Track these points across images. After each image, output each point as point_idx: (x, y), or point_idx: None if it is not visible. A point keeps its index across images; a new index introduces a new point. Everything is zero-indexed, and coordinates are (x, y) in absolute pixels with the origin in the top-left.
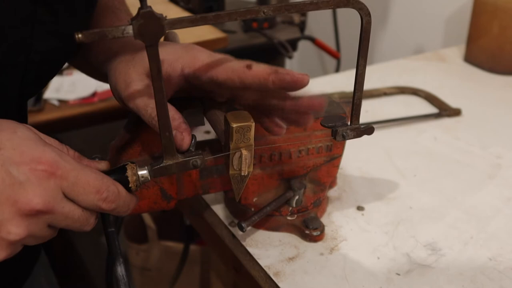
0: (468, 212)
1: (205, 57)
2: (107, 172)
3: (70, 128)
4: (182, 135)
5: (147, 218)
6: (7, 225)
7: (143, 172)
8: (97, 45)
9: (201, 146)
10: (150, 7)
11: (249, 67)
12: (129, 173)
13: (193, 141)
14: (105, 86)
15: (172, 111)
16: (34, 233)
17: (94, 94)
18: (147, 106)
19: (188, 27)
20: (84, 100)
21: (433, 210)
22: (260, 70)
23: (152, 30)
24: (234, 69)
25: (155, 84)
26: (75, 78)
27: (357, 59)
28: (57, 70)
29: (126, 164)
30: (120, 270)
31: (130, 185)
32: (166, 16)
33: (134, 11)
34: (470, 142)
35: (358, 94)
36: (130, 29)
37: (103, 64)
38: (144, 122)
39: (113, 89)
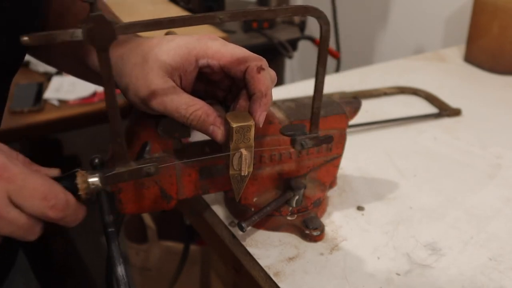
0: (468, 212)
1: (218, 45)
2: (56, 179)
3: (70, 128)
4: (220, 129)
5: (147, 218)
6: None
7: (93, 180)
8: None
9: (201, 146)
10: (100, 11)
11: (259, 70)
12: (79, 180)
13: (147, 147)
14: None
15: (205, 107)
16: None
17: (94, 94)
18: (179, 108)
19: (142, 32)
20: (84, 100)
21: (433, 210)
22: (265, 79)
23: (103, 34)
24: (249, 66)
25: (106, 90)
26: (75, 78)
27: (316, 67)
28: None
29: (76, 171)
30: (120, 270)
31: (79, 193)
32: (118, 22)
33: (134, 11)
34: (470, 142)
35: (317, 103)
36: (79, 33)
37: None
38: (145, 122)
39: (132, 94)
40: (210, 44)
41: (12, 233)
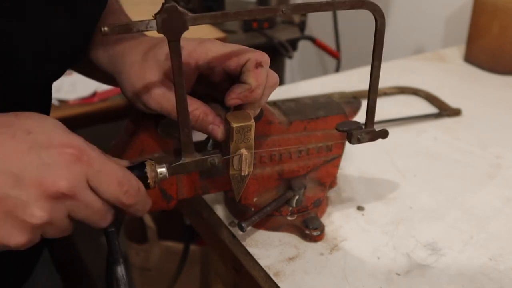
0: (468, 212)
1: (218, 48)
2: (127, 167)
3: (70, 128)
4: (220, 128)
5: (147, 218)
6: (31, 207)
7: (161, 170)
8: (101, 46)
9: (200, 146)
10: (174, 1)
11: (257, 65)
12: (148, 169)
13: (210, 141)
14: (105, 86)
15: (203, 107)
16: (55, 219)
17: (94, 94)
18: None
19: (210, 24)
20: (84, 100)
21: (433, 210)
22: (259, 75)
23: (175, 25)
24: (249, 60)
25: (176, 79)
26: (75, 78)
27: (372, 61)
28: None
29: (145, 161)
30: (120, 270)
31: (148, 181)
32: (188, 13)
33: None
34: (470, 142)
35: (373, 97)
36: (154, 23)
37: (108, 66)
38: (145, 123)
39: (130, 92)
40: (210, 46)
41: (87, 217)
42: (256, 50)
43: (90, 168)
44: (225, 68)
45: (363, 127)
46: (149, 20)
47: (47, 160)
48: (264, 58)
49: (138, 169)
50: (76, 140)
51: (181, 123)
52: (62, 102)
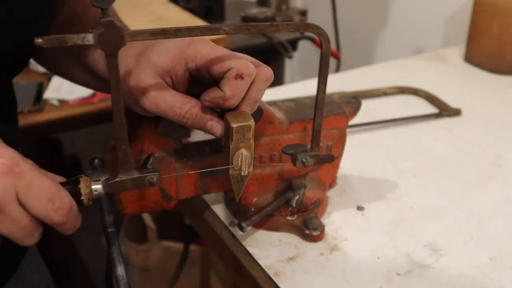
0: (468, 212)
1: (207, 49)
2: (60, 183)
3: (70, 128)
4: (219, 124)
5: (147, 218)
6: None
7: (97, 186)
8: (96, 51)
9: (201, 146)
10: (111, 17)
11: (237, 76)
12: (82, 186)
13: (151, 159)
14: None
15: (200, 104)
16: None
17: (94, 94)
18: (172, 107)
19: (149, 40)
20: (84, 100)
21: (433, 210)
22: (236, 87)
23: (113, 39)
24: (230, 70)
25: (113, 94)
26: None
27: (317, 84)
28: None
29: (80, 177)
30: (120, 270)
31: (82, 198)
32: (127, 27)
33: (135, 11)
34: (470, 142)
35: (318, 121)
36: (90, 37)
37: (103, 71)
38: (144, 123)
39: (125, 95)
40: (200, 47)
41: (11, 233)
42: (244, 59)
43: (21, 181)
44: (210, 72)
45: (309, 150)
46: (85, 34)
47: None
48: (248, 70)
49: (72, 185)
50: (9, 152)
51: (118, 138)
52: (62, 102)
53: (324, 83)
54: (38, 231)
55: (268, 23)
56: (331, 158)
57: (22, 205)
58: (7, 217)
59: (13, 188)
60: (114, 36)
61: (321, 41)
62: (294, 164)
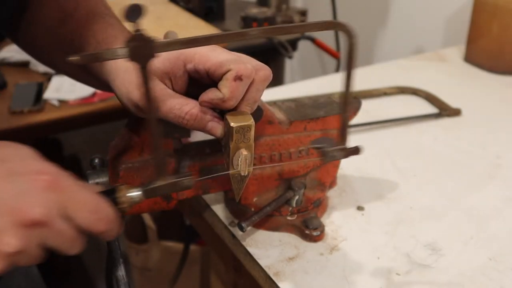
0: (468, 212)
1: (205, 50)
2: (99, 193)
3: (70, 128)
4: (220, 124)
5: (147, 218)
6: (5, 236)
7: (135, 193)
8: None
9: (201, 146)
10: (141, 30)
11: (236, 78)
12: (121, 194)
13: (182, 163)
14: None
15: (200, 106)
16: (28, 248)
17: (94, 94)
18: (172, 109)
19: (178, 49)
20: (84, 100)
21: (433, 210)
22: (235, 89)
23: (144, 52)
24: (229, 72)
25: (149, 104)
26: None
27: (346, 80)
28: None
29: (118, 185)
30: (120, 270)
31: (122, 206)
32: (157, 40)
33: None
34: (470, 142)
35: (345, 115)
36: (123, 52)
37: (102, 73)
38: (145, 123)
39: (125, 97)
40: (199, 49)
41: (58, 245)
42: (241, 59)
43: (64, 195)
44: (209, 74)
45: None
46: (118, 48)
47: (22, 187)
48: (247, 72)
49: (111, 194)
50: (50, 168)
51: (154, 146)
52: (62, 102)
53: (350, 79)
54: (81, 240)
55: (294, 24)
56: (358, 151)
57: (66, 218)
58: (53, 231)
59: (57, 203)
60: (146, 48)
61: (348, 37)
62: (323, 159)
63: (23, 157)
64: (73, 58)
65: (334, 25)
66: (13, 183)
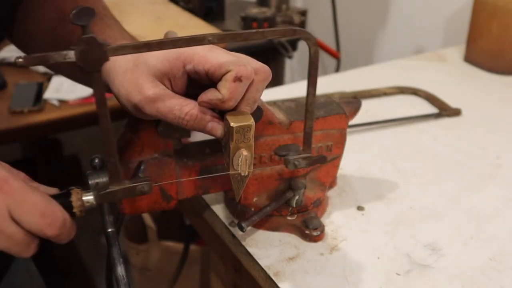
0: (468, 212)
1: (205, 51)
2: (52, 197)
3: (70, 128)
4: (220, 124)
5: (147, 218)
6: None
7: (88, 198)
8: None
9: (201, 146)
10: (92, 33)
11: (235, 79)
12: (73, 198)
13: (142, 167)
14: None
15: (199, 106)
16: None
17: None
18: (172, 109)
19: (131, 54)
20: (84, 100)
21: (433, 210)
22: (235, 89)
23: (95, 56)
24: (228, 73)
25: (99, 110)
26: None
27: (307, 87)
28: None
29: (71, 189)
30: (120, 270)
31: (74, 210)
32: (109, 44)
33: (135, 11)
34: (470, 142)
35: (309, 123)
36: (72, 54)
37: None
38: (144, 122)
39: (124, 99)
40: (198, 50)
41: (8, 248)
42: (242, 61)
43: (12, 198)
44: (209, 75)
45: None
46: (67, 51)
47: None
48: (246, 73)
49: (63, 198)
50: None
51: (107, 151)
52: (62, 102)
53: (314, 86)
54: (34, 243)
55: (254, 30)
56: (324, 160)
57: (15, 221)
58: (1, 233)
59: (5, 206)
60: (97, 53)
61: (309, 45)
62: (286, 166)
63: None
64: (19, 60)
65: (293, 32)
66: None
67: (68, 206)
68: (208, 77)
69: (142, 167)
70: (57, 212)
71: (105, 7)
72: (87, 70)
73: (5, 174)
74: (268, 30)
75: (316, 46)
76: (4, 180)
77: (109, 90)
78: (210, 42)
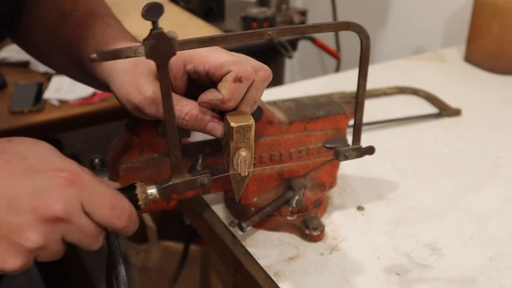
0: (468, 212)
1: (205, 51)
2: (118, 190)
3: (70, 128)
4: (220, 125)
5: (147, 218)
6: (26, 232)
7: (152, 191)
8: (86, 47)
9: (201, 146)
10: (161, 28)
11: (235, 80)
12: (138, 191)
13: (199, 160)
14: None
15: (199, 106)
16: (49, 243)
17: (94, 94)
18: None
19: (197, 48)
20: (84, 100)
21: (433, 210)
22: (235, 90)
23: (163, 50)
24: (229, 73)
25: (165, 103)
26: None
27: (358, 80)
28: None
29: (136, 183)
30: (120, 270)
31: (139, 203)
32: (177, 37)
33: (135, 10)
34: (470, 142)
35: (359, 115)
36: (142, 49)
37: (101, 75)
38: (144, 122)
39: (124, 99)
40: (198, 50)
41: (80, 241)
42: (243, 62)
43: (84, 192)
44: (209, 76)
45: (349, 144)
46: (137, 46)
47: (41, 184)
48: (247, 73)
49: (129, 191)
50: (70, 164)
51: (170, 145)
52: (62, 102)
53: (365, 79)
54: (102, 235)
55: (311, 24)
56: (372, 151)
57: (86, 214)
58: (74, 226)
59: (78, 199)
60: (165, 47)
61: (361, 38)
62: (337, 159)
63: (41, 153)
64: (92, 56)
65: (348, 26)
66: (33, 180)
67: (133, 199)
68: (208, 78)
69: (199, 161)
70: (125, 204)
71: (106, 6)
72: (156, 64)
73: (76, 168)
74: (324, 24)
75: (367, 40)
76: (76, 174)
77: (109, 90)
78: (270, 36)
